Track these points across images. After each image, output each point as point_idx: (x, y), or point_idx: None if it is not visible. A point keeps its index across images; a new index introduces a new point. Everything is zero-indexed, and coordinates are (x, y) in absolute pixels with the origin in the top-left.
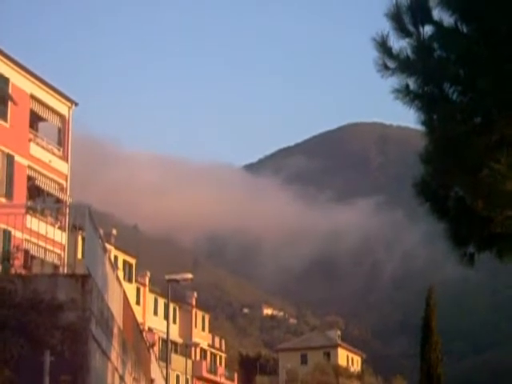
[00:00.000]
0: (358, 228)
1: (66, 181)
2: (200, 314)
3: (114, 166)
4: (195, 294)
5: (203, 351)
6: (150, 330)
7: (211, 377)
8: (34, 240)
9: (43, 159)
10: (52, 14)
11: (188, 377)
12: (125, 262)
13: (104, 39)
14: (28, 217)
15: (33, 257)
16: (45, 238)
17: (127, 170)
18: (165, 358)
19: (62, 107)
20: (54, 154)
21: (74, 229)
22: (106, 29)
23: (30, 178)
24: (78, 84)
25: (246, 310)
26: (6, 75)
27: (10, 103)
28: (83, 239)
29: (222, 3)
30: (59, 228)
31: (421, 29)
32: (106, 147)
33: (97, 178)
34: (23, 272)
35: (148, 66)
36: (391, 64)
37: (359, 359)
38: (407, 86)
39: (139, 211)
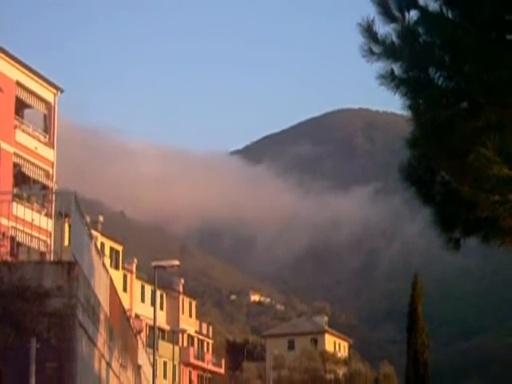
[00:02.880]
0: (352, 215)
1: (52, 167)
2: (187, 300)
3: (108, 155)
4: (182, 281)
5: (190, 337)
6: (137, 316)
7: (198, 363)
8: (20, 227)
9: (29, 146)
10: (55, 9)
11: (175, 363)
12: (112, 248)
13: (105, 35)
14: (14, 204)
15: (19, 244)
16: (31, 225)
17: (124, 160)
18: (152, 345)
19: (47, 94)
20: (39, 140)
21: (60, 216)
22: (107, 22)
23: (15, 165)
24: (80, 77)
25: (233, 297)
26: None
27: None
28: (70, 226)
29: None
30: (45, 215)
31: (406, 14)
32: (103, 136)
33: (91, 167)
34: (9, 259)
35: (144, 62)
36: (376, 49)
37: (346, 345)
38: (392, 71)
39: (130, 199)
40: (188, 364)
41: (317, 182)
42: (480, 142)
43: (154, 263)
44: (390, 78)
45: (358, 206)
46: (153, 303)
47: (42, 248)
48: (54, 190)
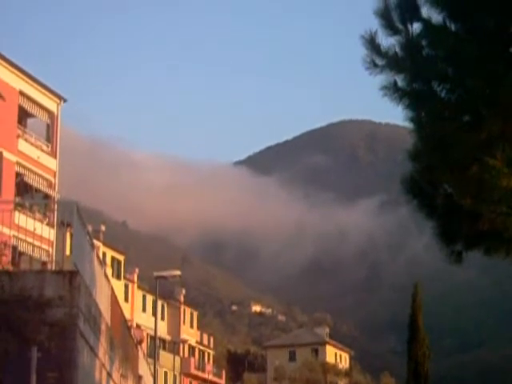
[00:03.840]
0: (358, 227)
1: (55, 177)
2: (188, 310)
3: (111, 165)
4: (183, 291)
5: (191, 348)
6: (138, 326)
7: (199, 374)
8: (22, 236)
9: (32, 155)
10: (58, 18)
11: (176, 373)
12: (113, 258)
13: (109, 45)
14: (16, 213)
15: (21, 253)
16: (33, 235)
17: (127, 170)
18: (153, 355)
19: (50, 103)
20: (42, 150)
21: (62, 225)
22: (111, 32)
23: (18, 174)
24: (84, 86)
25: (234, 307)
26: None
27: None
28: (71, 236)
29: (210, 7)
30: (47, 224)
31: (409, 26)
32: (106, 146)
33: (94, 177)
34: (11, 268)
35: (148, 73)
36: (380, 61)
37: (347, 356)
38: (395, 83)
39: (133, 209)
40: (189, 374)
41: (322, 193)
42: (483, 154)
43: (155, 273)
44: (393, 90)
45: (364, 218)
46: (154, 313)
47: (44, 257)
48: (56, 200)
